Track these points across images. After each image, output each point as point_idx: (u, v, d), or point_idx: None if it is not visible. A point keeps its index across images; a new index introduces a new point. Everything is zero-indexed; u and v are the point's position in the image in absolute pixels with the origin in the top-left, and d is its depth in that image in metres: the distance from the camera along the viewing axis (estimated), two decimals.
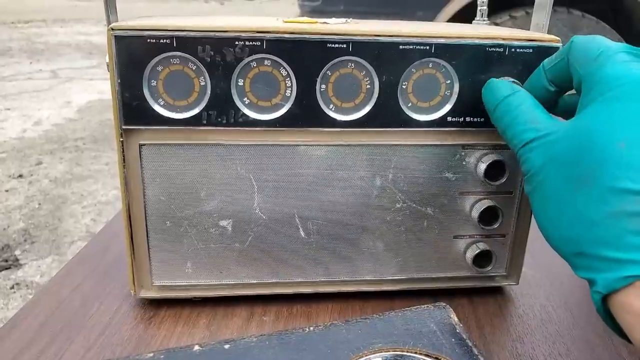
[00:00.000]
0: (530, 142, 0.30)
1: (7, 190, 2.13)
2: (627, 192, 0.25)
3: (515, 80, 0.36)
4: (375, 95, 0.36)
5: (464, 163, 0.39)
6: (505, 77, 0.36)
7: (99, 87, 3.77)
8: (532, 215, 0.31)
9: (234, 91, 0.35)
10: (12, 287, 1.51)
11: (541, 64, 0.34)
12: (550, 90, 0.34)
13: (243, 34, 0.34)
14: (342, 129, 0.37)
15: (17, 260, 1.65)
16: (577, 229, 0.27)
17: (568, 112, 0.34)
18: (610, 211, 0.25)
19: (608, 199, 0.25)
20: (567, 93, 0.34)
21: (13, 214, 1.93)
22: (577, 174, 0.27)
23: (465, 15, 2.04)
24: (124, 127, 0.35)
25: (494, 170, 0.38)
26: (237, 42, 0.34)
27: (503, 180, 0.39)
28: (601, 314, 0.27)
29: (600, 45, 0.29)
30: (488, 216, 0.40)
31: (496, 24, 1.96)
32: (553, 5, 0.40)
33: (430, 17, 2.13)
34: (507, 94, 0.34)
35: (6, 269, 1.60)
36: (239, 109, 0.36)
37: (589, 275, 0.27)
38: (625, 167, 0.25)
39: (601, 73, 0.28)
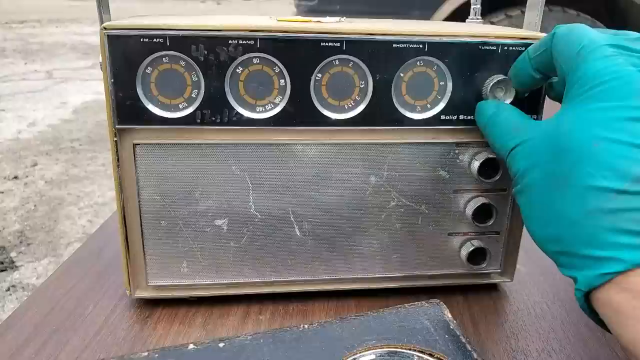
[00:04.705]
0: (515, 148, 0.32)
1: (2, 192, 2.12)
2: (603, 190, 0.25)
3: (507, 77, 0.36)
4: (369, 93, 0.36)
5: (457, 161, 0.39)
6: (496, 75, 0.36)
7: (94, 88, 3.76)
8: None
9: (227, 90, 0.35)
10: (8, 290, 1.51)
11: (526, 51, 0.35)
12: (536, 77, 0.34)
13: (237, 33, 0.34)
14: (336, 128, 0.37)
15: (12, 262, 1.64)
16: (559, 228, 0.28)
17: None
18: (588, 210, 0.26)
19: (585, 197, 0.26)
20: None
21: (8, 216, 1.93)
22: (556, 173, 0.28)
23: (461, 15, 2.05)
24: (117, 126, 0.35)
25: (488, 168, 0.38)
26: (230, 41, 0.34)
27: (497, 177, 0.39)
28: (585, 310, 0.28)
29: (582, 39, 0.29)
30: (482, 213, 0.40)
31: (492, 23, 1.97)
32: (548, 4, 0.40)
33: (426, 17, 2.14)
34: (492, 112, 0.35)
35: (2, 271, 1.60)
36: (232, 108, 0.36)
37: (571, 273, 0.27)
38: (600, 166, 0.25)
39: (582, 70, 0.28)
